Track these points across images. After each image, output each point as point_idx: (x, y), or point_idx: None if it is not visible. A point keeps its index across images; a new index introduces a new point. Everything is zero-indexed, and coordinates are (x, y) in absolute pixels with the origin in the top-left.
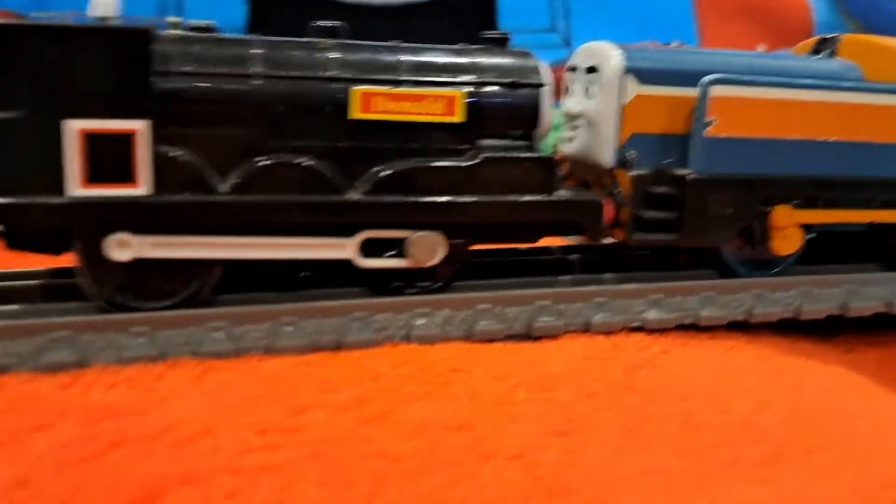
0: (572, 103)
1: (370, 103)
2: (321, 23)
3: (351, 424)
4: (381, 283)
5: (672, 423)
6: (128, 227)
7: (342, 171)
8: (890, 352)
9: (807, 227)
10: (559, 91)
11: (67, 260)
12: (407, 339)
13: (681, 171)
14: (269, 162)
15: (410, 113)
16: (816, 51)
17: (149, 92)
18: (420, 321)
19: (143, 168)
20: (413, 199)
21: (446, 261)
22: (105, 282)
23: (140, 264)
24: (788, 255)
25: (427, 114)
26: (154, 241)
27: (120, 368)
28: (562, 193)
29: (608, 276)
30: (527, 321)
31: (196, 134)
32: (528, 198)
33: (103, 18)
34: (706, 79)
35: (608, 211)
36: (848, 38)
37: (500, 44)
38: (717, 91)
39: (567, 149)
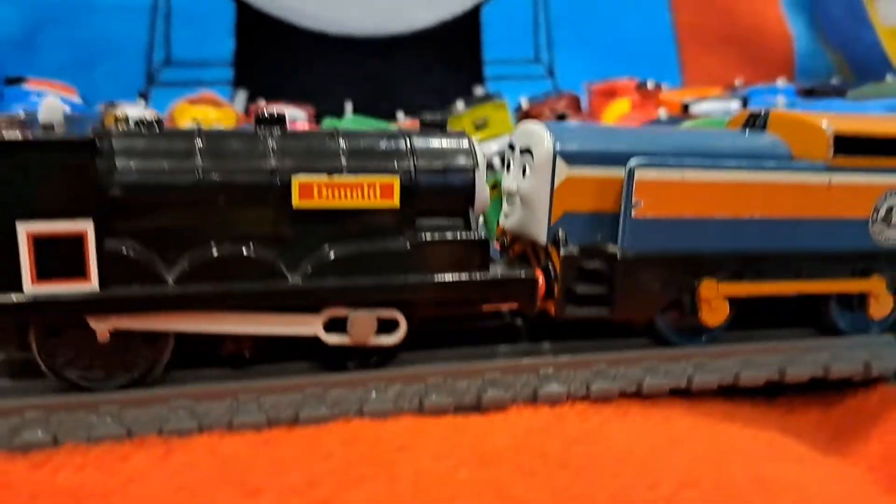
0: (510, 181)
1: (311, 192)
2: (265, 111)
3: None
4: (335, 359)
5: (600, 500)
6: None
7: (286, 257)
8: (829, 412)
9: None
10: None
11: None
12: (360, 413)
13: (611, 249)
14: (214, 252)
15: (349, 199)
16: (746, 125)
17: (95, 192)
18: (373, 395)
19: (92, 263)
20: (353, 282)
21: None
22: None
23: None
24: (717, 325)
25: (365, 199)
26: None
27: (89, 448)
28: (497, 270)
29: (547, 345)
30: (476, 394)
31: (143, 228)
32: (464, 276)
33: (49, 126)
34: (632, 162)
35: (542, 286)
36: (776, 115)
37: (440, 127)
38: (643, 174)
39: (506, 224)
